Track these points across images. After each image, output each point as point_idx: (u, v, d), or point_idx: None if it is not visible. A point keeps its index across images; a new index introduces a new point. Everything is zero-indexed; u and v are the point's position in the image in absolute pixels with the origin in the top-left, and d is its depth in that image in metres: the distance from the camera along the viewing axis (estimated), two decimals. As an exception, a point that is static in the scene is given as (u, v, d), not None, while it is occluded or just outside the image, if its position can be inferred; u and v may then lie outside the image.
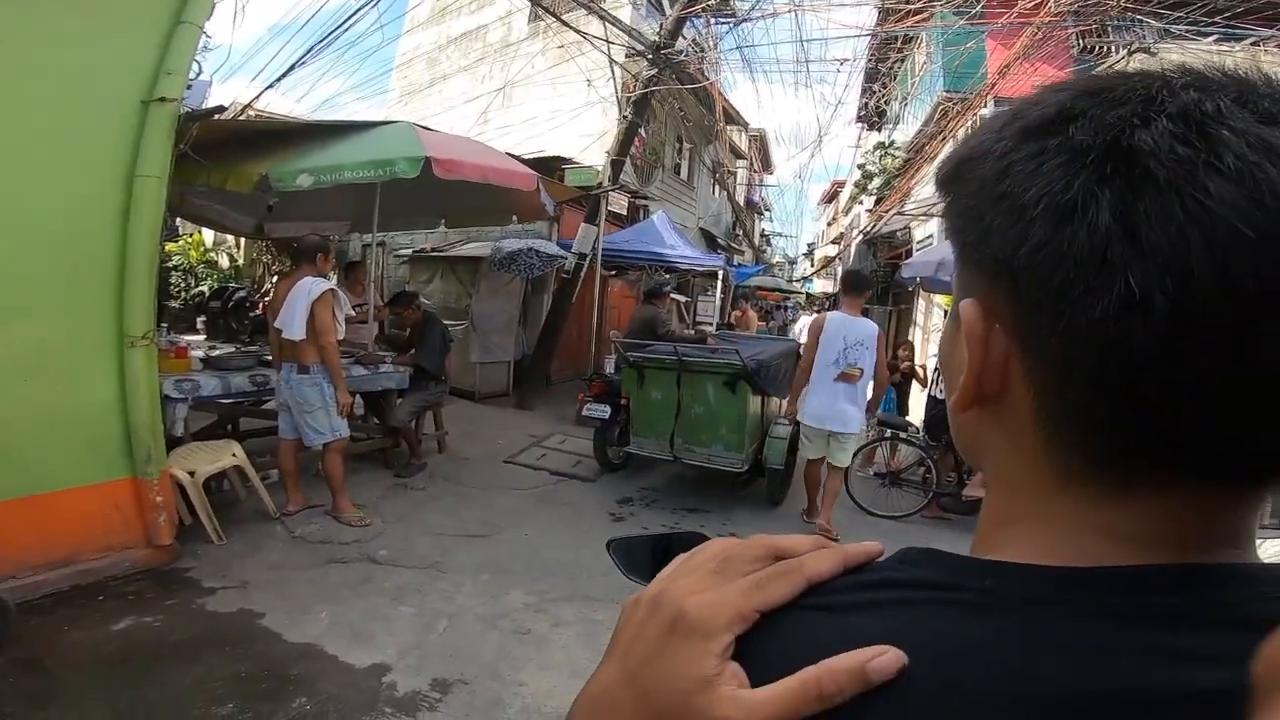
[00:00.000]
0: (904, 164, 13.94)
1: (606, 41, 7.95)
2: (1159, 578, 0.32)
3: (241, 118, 6.89)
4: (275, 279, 9.67)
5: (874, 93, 15.45)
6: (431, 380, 5.64)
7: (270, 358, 4.63)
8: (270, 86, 8.63)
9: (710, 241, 17.58)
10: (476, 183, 5.05)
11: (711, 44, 10.19)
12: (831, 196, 34.14)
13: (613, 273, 10.45)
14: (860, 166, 18.65)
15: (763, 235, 32.72)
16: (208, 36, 3.66)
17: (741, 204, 22.29)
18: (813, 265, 33.30)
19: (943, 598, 0.34)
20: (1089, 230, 0.30)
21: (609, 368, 6.96)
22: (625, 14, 10.33)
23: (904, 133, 14.99)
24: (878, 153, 16.75)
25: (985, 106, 8.65)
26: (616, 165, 8.46)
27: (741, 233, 22.10)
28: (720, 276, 11.87)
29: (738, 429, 5.08)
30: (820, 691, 0.30)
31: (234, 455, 4.12)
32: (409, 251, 10.22)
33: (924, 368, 7.45)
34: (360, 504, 4.50)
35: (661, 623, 0.36)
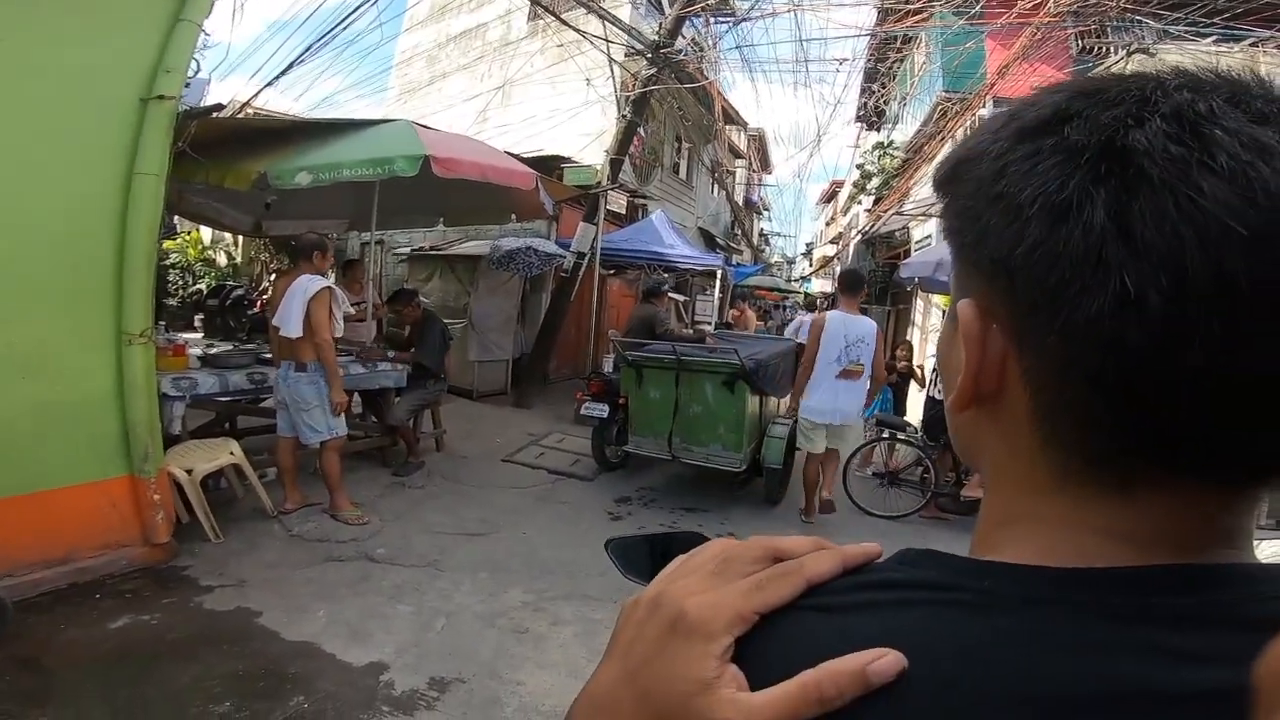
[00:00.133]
0: (903, 164, 13.96)
1: (606, 40, 7.94)
2: (1160, 578, 0.32)
3: (240, 115, 6.88)
4: (273, 277, 9.67)
5: (873, 93, 15.47)
6: (430, 379, 5.64)
7: (270, 355, 4.63)
8: (269, 84, 8.64)
9: (709, 241, 17.58)
10: (475, 181, 5.05)
11: (711, 43, 10.19)
12: (830, 196, 34.15)
13: (611, 272, 10.45)
14: (859, 166, 18.68)
15: (761, 235, 32.75)
16: (206, 34, 3.65)
17: (740, 203, 22.32)
18: (811, 265, 33.33)
19: (942, 598, 0.34)
20: (1084, 229, 0.30)
21: (607, 367, 6.96)
22: (624, 13, 10.32)
23: (903, 133, 15.01)
24: (876, 153, 16.78)
25: (984, 107, 8.66)
26: (615, 164, 8.46)
27: (740, 232, 22.13)
28: (719, 276, 11.87)
29: (736, 428, 5.09)
30: (820, 695, 0.30)
31: (231, 453, 4.12)
32: (407, 250, 10.22)
33: (922, 368, 7.46)
34: (358, 502, 4.50)
35: (661, 624, 0.36)
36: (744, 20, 9.70)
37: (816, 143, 18.32)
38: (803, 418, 4.97)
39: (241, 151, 4.67)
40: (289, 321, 4.02)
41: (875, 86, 15.24)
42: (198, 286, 11.74)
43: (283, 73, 7.55)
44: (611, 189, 8.73)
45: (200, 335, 8.45)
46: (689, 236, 13.09)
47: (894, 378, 7.04)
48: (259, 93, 8.25)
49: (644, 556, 0.61)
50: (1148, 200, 0.29)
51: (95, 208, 3.27)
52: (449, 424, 6.36)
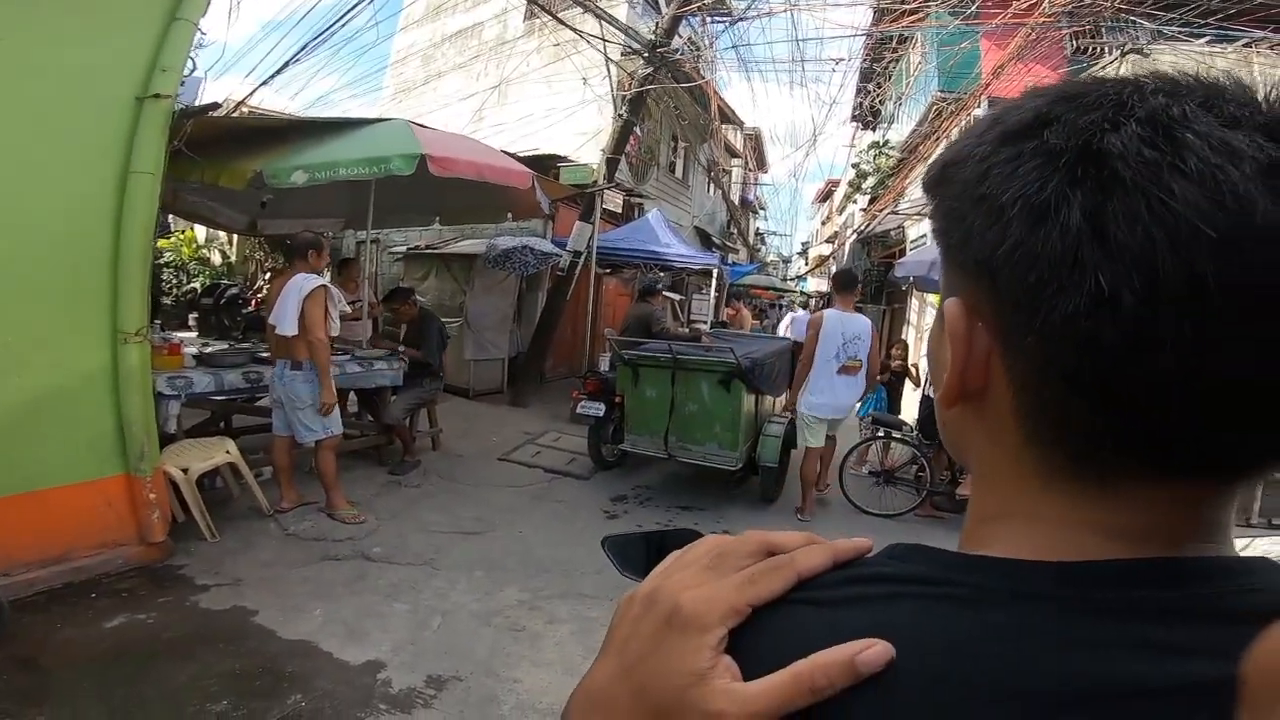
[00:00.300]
0: (898, 163, 13.96)
1: (602, 40, 7.94)
2: (1144, 572, 0.33)
3: (235, 114, 6.86)
4: (268, 276, 9.64)
5: (869, 92, 15.46)
6: (427, 377, 5.63)
7: (266, 354, 4.62)
8: (264, 83, 8.60)
9: (705, 240, 17.58)
10: (472, 180, 5.04)
11: (707, 43, 10.20)
12: (826, 195, 34.17)
13: (607, 271, 10.44)
14: (854, 166, 18.67)
15: (757, 234, 32.76)
16: (202, 33, 3.64)
17: (736, 202, 22.33)
18: (807, 264, 33.35)
19: (931, 592, 0.34)
20: (1061, 231, 0.31)
21: (603, 365, 6.97)
22: (621, 12, 10.31)
23: (898, 132, 15.01)
24: (872, 152, 16.80)
25: (979, 107, 8.66)
26: (612, 163, 8.45)
27: (736, 231, 22.15)
28: (714, 275, 11.87)
29: (732, 427, 5.10)
30: (812, 684, 0.31)
31: (227, 452, 4.11)
32: (403, 248, 10.19)
33: (916, 366, 7.47)
34: (354, 501, 4.49)
35: (657, 617, 0.37)
36: (740, 20, 9.71)
37: (812, 142, 18.41)
38: (805, 413, 5.10)
39: (237, 150, 4.66)
40: (284, 320, 4.02)
41: (871, 86, 15.24)
42: (192, 285, 11.67)
43: (278, 71, 7.54)
44: (608, 188, 8.72)
45: (195, 334, 8.40)
46: (685, 235, 13.08)
47: (886, 376, 7.06)
48: (254, 91, 8.24)
49: (640, 554, 0.61)
50: (1121, 202, 0.30)
51: (91, 207, 3.26)
52: (445, 423, 6.35)
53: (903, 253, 11.44)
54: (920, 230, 11.16)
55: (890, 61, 13.68)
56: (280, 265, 8.46)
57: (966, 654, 0.31)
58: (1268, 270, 0.28)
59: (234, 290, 10.19)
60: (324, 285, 4.16)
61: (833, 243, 25.47)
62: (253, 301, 9.53)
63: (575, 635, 3.22)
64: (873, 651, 0.31)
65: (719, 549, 0.40)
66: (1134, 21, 7.55)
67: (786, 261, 36.25)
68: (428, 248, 9.69)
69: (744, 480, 5.69)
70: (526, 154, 8.55)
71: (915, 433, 5.78)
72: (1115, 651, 0.30)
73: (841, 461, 5.63)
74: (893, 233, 12.95)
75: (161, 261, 11.26)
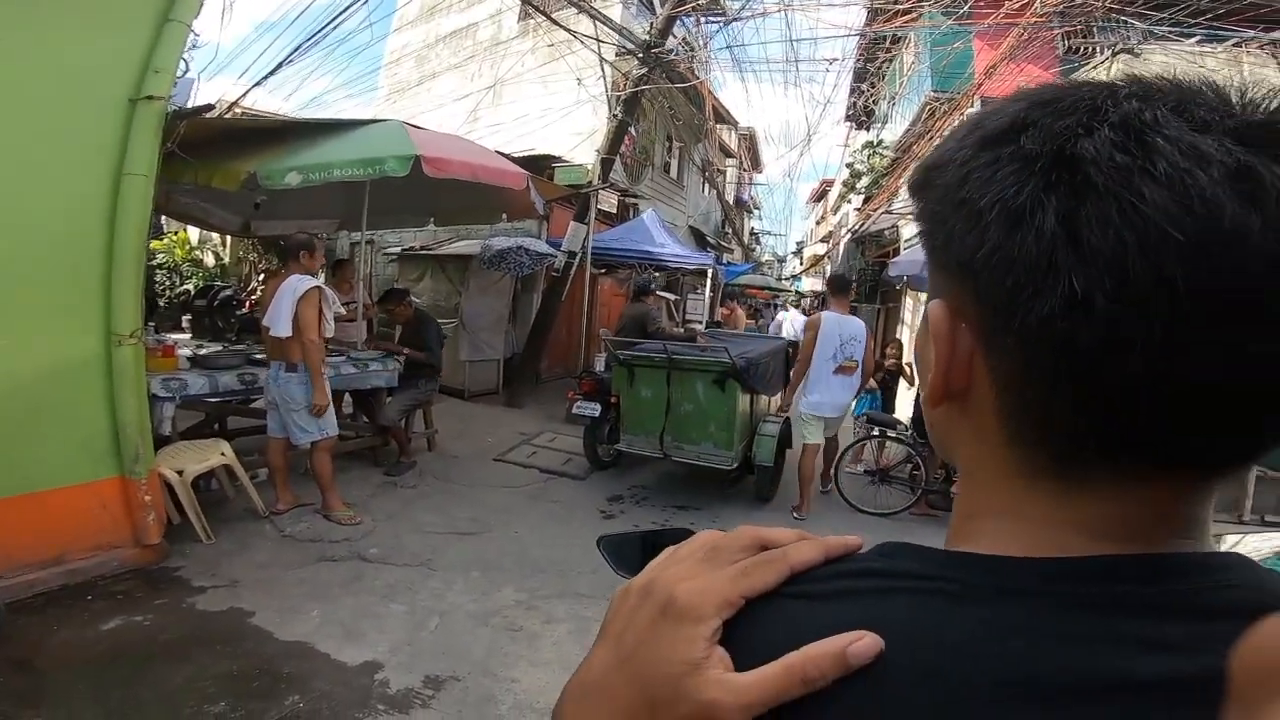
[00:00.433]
0: (892, 163, 14.00)
1: (597, 40, 7.94)
2: (1129, 568, 0.33)
3: (228, 115, 6.83)
4: (262, 277, 9.61)
5: (862, 92, 15.51)
6: (422, 378, 5.63)
7: (260, 356, 4.61)
8: (258, 84, 8.61)
9: (700, 240, 17.57)
10: (466, 181, 5.04)
11: (701, 43, 10.20)
12: (820, 195, 34.21)
13: (602, 271, 10.44)
14: (849, 165, 18.70)
15: (752, 233, 32.77)
16: (195, 34, 3.63)
17: (731, 202, 22.33)
18: (801, 263, 33.40)
19: (920, 587, 0.35)
20: (1036, 234, 0.32)
21: (599, 365, 6.97)
22: (615, 13, 10.32)
23: (892, 132, 15.05)
24: (866, 152, 16.81)
25: (972, 106, 8.70)
26: (606, 164, 8.44)
27: (731, 231, 22.14)
28: (709, 274, 11.88)
29: (727, 427, 5.11)
30: (804, 676, 0.32)
31: (222, 454, 4.11)
32: (398, 250, 10.18)
33: (910, 365, 7.50)
34: (350, 502, 4.49)
35: (653, 608, 0.38)
36: (734, 20, 9.71)
37: (806, 142, 18.45)
38: (804, 412, 5.22)
39: (230, 151, 4.64)
40: (278, 321, 4.01)
41: (865, 86, 15.29)
42: (185, 287, 11.62)
43: (271, 72, 7.52)
44: (602, 188, 8.72)
45: (188, 336, 8.38)
46: (680, 235, 13.08)
47: (882, 376, 7.08)
48: (248, 92, 8.22)
49: (635, 553, 0.61)
50: (1094, 206, 0.30)
51: (87, 208, 3.25)
52: (441, 424, 6.34)
53: (897, 252, 11.48)
54: (914, 230, 11.17)
55: (884, 61, 13.74)
56: (274, 267, 8.42)
57: (955, 648, 0.32)
58: (1235, 274, 0.29)
59: (228, 292, 10.16)
60: (318, 286, 4.16)
61: (827, 242, 25.53)
62: (247, 303, 9.50)
63: (572, 635, 3.22)
64: (863, 644, 0.32)
65: (713, 543, 0.41)
66: (1125, 21, 7.60)
67: (781, 261, 36.31)
68: (422, 249, 9.67)
69: (739, 480, 5.70)
70: (521, 154, 8.53)
71: (910, 431, 5.79)
72: (1100, 646, 0.30)
73: (837, 460, 5.66)
74: (887, 232, 12.98)
75: (154, 263, 11.21)
